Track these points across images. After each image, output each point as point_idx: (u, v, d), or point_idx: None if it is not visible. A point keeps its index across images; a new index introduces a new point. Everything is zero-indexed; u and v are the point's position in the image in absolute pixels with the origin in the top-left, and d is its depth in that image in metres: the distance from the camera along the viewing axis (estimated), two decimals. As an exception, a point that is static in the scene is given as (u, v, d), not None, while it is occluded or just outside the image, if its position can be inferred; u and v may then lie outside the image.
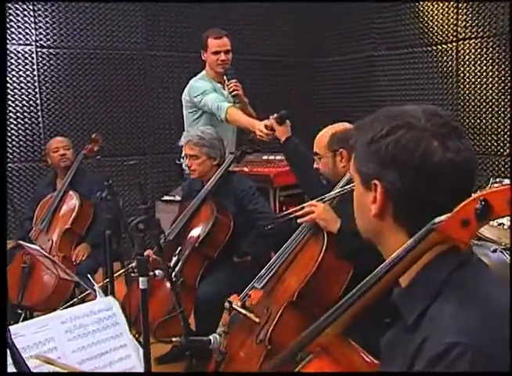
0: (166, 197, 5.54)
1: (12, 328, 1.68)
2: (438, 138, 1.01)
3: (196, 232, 3.26)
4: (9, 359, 1.33)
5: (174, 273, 3.17)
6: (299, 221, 2.40)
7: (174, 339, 2.08)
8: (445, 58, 5.05)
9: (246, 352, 2.24)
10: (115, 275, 3.01)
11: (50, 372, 1.55)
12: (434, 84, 5.16)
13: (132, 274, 3.08)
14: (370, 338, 1.15)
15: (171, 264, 3.21)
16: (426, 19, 5.18)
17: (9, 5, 5.21)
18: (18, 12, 5.26)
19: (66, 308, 2.23)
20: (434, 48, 5.13)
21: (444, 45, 5.04)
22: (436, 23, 5.09)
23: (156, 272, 2.86)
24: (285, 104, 6.54)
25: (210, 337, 2.13)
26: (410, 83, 5.36)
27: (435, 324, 0.91)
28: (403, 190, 1.02)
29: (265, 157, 5.02)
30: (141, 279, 1.97)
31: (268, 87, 6.51)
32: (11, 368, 1.36)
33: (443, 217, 0.92)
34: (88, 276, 2.57)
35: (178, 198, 4.90)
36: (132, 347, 1.86)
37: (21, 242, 3.13)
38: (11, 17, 5.24)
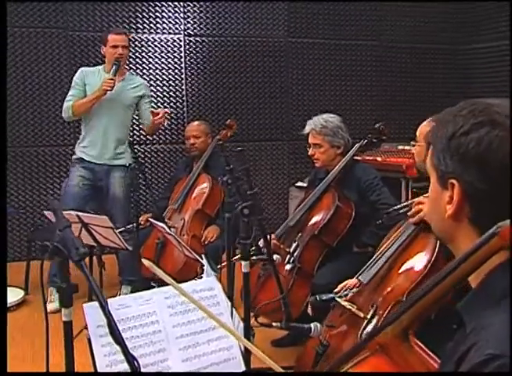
0: (299, 184, 5.60)
1: (121, 299, 1.83)
2: None
3: (316, 219, 3.26)
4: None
5: (292, 259, 3.22)
6: (410, 221, 2.32)
7: (274, 324, 2.12)
8: None
9: (349, 346, 2.21)
10: (236, 257, 3.11)
11: (62, 372, 1.64)
12: None
13: (253, 258, 3.17)
14: (442, 345, 1.10)
15: (291, 250, 3.26)
16: None
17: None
18: (169, 3, 5.58)
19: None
20: None
21: None
22: None
23: (275, 256, 2.92)
24: (433, 91, 6.36)
25: (311, 325, 2.13)
26: None
27: (484, 333, 0.86)
28: (483, 192, 0.96)
29: (400, 147, 4.87)
30: (243, 263, 2.02)
31: (416, 74, 6.36)
32: (107, 340, 1.48)
33: (508, 221, 0.85)
34: (202, 256, 2.68)
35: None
36: (232, 328, 1.92)
37: (151, 219, 3.35)
38: (163, 8, 5.57)
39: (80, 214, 3.18)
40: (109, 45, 4.14)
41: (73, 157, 4.31)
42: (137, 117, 5.49)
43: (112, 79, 3.98)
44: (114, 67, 4.03)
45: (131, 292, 4.17)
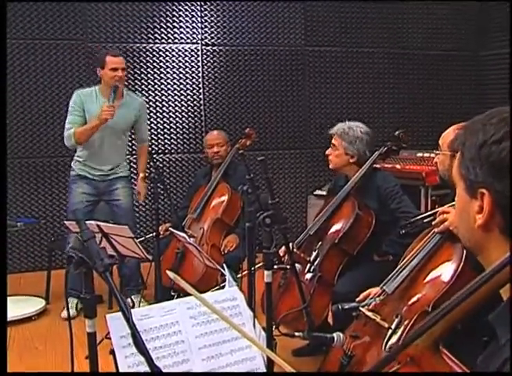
0: (317, 192, 5.59)
1: (145, 309, 1.83)
2: None
3: (336, 227, 3.24)
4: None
5: (312, 267, 3.20)
6: (435, 230, 2.29)
7: (296, 334, 2.10)
8: None
9: (373, 357, 2.19)
10: (257, 266, 3.11)
11: (67, 372, 1.63)
12: None
13: (275, 267, 3.16)
14: (472, 356, 1.08)
15: (311, 258, 3.25)
16: None
17: (179, 6, 5.58)
18: (187, 13, 5.62)
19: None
20: None
21: None
22: None
23: (296, 266, 2.90)
24: (450, 98, 6.33)
25: (334, 335, 2.11)
26: None
27: None
28: None
29: (419, 154, 4.84)
30: (266, 272, 2.01)
31: (432, 81, 6.34)
32: (131, 350, 1.48)
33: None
34: (224, 265, 2.68)
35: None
36: (255, 338, 1.91)
37: (171, 229, 3.35)
38: (180, 19, 5.61)
39: (100, 224, 3.19)
40: (107, 67, 4.03)
41: (72, 173, 4.28)
42: (155, 127, 5.57)
43: (112, 106, 3.90)
44: (113, 94, 3.94)
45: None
